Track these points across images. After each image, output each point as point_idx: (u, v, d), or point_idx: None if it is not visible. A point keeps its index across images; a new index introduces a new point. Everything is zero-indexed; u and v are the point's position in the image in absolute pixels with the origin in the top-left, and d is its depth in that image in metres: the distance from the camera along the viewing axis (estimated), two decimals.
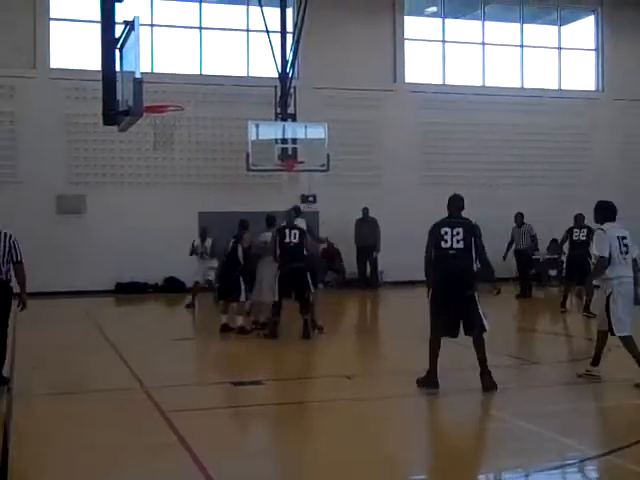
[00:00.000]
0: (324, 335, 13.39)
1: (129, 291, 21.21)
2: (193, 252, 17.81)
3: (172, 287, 21.29)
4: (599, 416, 8.51)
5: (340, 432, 7.55)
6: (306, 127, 21.08)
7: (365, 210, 22.41)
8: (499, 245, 19.45)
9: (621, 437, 7.14)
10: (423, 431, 7.73)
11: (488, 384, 8.88)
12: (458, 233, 9.13)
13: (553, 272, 23.69)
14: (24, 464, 6.60)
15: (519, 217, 20.36)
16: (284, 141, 20.97)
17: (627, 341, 9.28)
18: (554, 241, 23.41)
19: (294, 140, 21.03)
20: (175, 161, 21.63)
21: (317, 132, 20.81)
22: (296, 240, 12.94)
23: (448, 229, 9.17)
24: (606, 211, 9.54)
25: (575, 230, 17.08)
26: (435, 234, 9.26)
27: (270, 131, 20.86)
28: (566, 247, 17.66)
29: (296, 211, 14.57)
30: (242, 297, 13.44)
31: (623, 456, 6.61)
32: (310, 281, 13.11)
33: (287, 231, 13.03)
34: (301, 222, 14.06)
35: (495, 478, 6.52)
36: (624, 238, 9.24)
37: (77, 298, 19.65)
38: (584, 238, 16.49)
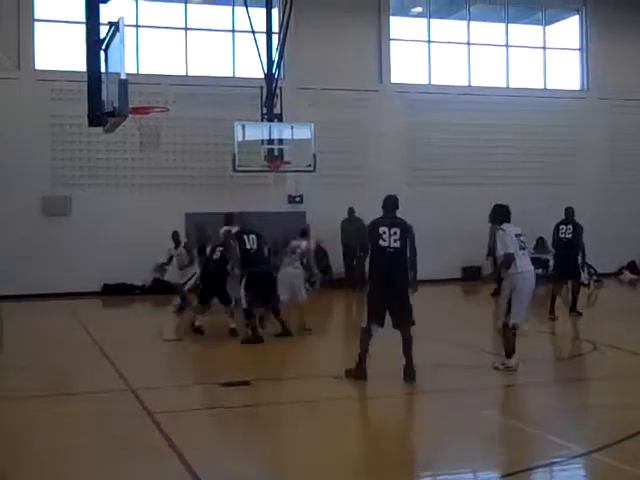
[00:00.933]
0: (309, 335, 13.38)
1: (116, 292, 21.14)
2: (169, 261, 17.49)
3: (160, 288, 21.20)
4: (586, 414, 8.53)
5: (328, 432, 7.55)
6: (292, 127, 21.05)
7: (351, 210, 22.41)
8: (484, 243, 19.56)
9: (607, 435, 7.17)
10: (409, 430, 7.75)
11: (410, 376, 9.33)
12: (395, 233, 9.64)
13: (539, 271, 23.73)
14: (4, 466, 6.56)
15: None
16: (270, 142, 20.94)
17: (511, 331, 9.90)
18: (540, 239, 23.51)
19: (280, 141, 21.00)
20: (161, 162, 21.57)
21: (303, 132, 20.79)
22: (255, 246, 12.79)
23: (386, 228, 9.64)
24: (503, 213, 10.48)
25: (562, 227, 17.01)
26: (373, 233, 9.68)
27: (256, 132, 20.82)
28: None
29: (302, 232, 15.40)
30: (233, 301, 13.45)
31: (610, 454, 6.65)
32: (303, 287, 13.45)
33: (246, 236, 12.89)
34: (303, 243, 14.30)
35: (483, 477, 6.54)
36: (520, 235, 10.07)
37: (64, 300, 19.56)
38: (570, 236, 16.47)
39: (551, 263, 23.81)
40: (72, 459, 6.78)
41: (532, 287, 10.05)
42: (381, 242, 9.55)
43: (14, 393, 9.28)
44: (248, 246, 12.72)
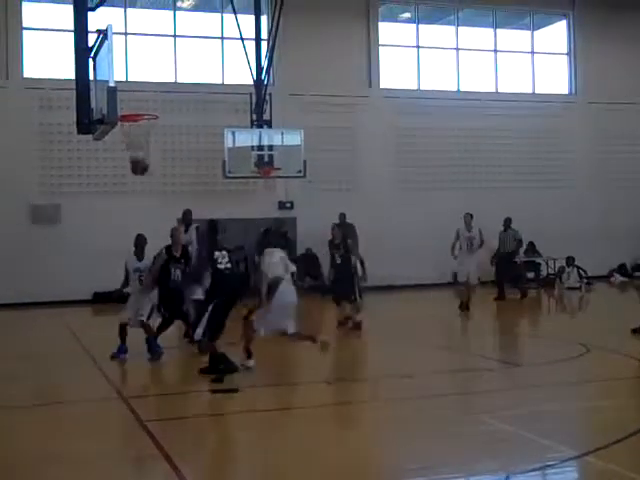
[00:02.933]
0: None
1: (107, 301, 21.01)
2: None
3: None
4: (578, 417, 8.54)
5: (318, 437, 7.53)
6: (282, 133, 21.07)
7: (342, 215, 22.39)
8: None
9: (600, 438, 7.17)
10: (404, 434, 7.73)
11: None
12: (224, 257, 10.49)
13: (531, 275, 23.83)
14: None
15: (507, 221, 20.63)
16: (260, 148, 20.95)
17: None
18: (530, 244, 23.60)
19: (270, 147, 21.01)
20: (151, 169, 21.48)
21: (293, 138, 20.81)
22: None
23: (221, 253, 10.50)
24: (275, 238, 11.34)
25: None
26: (211, 257, 10.49)
27: (246, 138, 20.83)
28: None
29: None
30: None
31: (602, 456, 6.65)
32: None
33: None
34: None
35: None
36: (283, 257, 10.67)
37: (54, 308, 19.49)
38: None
39: (543, 267, 24.03)
40: (62, 468, 6.73)
41: (285, 302, 10.39)
42: (219, 265, 10.43)
43: (3, 402, 9.22)
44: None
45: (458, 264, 17.84)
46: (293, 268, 10.82)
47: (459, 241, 17.69)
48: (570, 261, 22.97)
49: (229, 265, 10.64)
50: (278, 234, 17.01)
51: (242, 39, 21.63)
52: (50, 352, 12.96)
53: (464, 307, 17.37)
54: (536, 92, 25.95)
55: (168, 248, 12.11)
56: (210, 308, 10.28)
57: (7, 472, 6.67)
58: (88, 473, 6.58)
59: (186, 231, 14.43)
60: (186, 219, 14.97)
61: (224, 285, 10.48)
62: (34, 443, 7.51)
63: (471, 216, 17.91)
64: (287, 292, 10.50)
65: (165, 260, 11.93)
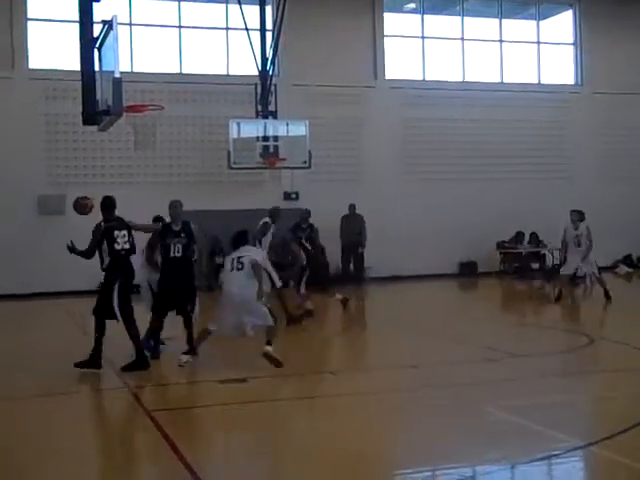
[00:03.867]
0: (308, 332, 13.38)
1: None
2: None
3: None
4: (584, 408, 8.55)
5: (322, 428, 7.55)
6: (287, 124, 21.03)
7: (352, 206, 22.41)
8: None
9: (606, 428, 7.19)
10: (408, 425, 7.75)
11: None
12: (124, 236, 10.58)
13: (536, 265, 23.83)
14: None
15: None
16: (265, 139, 20.92)
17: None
18: (534, 235, 23.62)
19: (275, 137, 20.97)
20: (157, 160, 21.54)
21: (298, 129, 20.78)
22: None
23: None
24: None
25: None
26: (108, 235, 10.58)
27: (251, 129, 20.80)
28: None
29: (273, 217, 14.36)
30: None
31: (608, 446, 6.66)
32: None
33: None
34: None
35: (481, 471, 6.55)
36: (240, 257, 10.25)
37: (62, 299, 19.54)
38: None
39: (549, 258, 23.96)
40: (69, 458, 6.77)
41: (233, 302, 10.13)
42: (116, 245, 10.49)
43: (10, 393, 9.27)
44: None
45: (567, 261, 16.91)
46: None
47: (566, 239, 16.84)
48: None
49: (127, 246, 10.60)
50: (306, 225, 16.92)
51: (247, 30, 21.60)
52: (56, 342, 12.98)
53: (557, 298, 17.02)
54: (542, 82, 25.88)
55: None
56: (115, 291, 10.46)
57: (16, 462, 6.71)
58: (94, 465, 6.62)
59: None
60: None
61: (119, 267, 10.50)
62: (41, 434, 7.55)
63: (578, 213, 16.95)
64: (231, 285, 10.23)
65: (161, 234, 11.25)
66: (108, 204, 10.76)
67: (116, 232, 10.43)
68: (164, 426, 7.45)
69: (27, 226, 20.65)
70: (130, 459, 6.73)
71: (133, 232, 10.66)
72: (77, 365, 10.01)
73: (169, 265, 10.90)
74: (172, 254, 10.90)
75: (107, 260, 10.39)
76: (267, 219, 13.97)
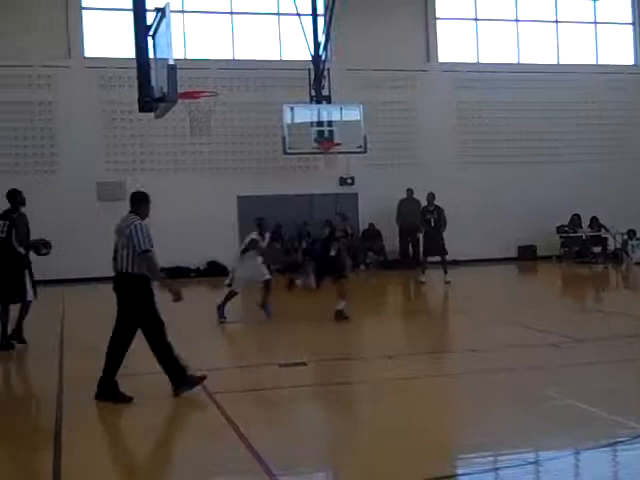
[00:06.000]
0: (363, 317, 13.37)
1: (172, 276, 21.11)
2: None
3: (214, 271, 21.35)
4: None
5: (383, 411, 7.55)
6: (341, 109, 21.03)
7: (409, 191, 22.31)
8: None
9: None
10: (469, 409, 7.70)
11: None
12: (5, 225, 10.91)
13: (597, 249, 23.47)
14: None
15: None
16: (320, 124, 20.94)
17: None
18: (594, 218, 23.23)
19: (330, 122, 20.99)
20: (212, 146, 21.69)
21: (353, 114, 20.75)
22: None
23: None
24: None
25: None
26: None
27: (305, 114, 20.84)
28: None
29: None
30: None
31: None
32: None
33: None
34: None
35: (546, 456, 6.48)
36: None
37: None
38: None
39: (610, 242, 23.54)
40: (134, 439, 6.88)
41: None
42: None
43: (79, 373, 9.42)
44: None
45: None
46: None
47: None
48: (631, 234, 22.59)
49: (3, 235, 11.02)
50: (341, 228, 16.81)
51: (299, 15, 21.58)
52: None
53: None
54: (599, 63, 25.39)
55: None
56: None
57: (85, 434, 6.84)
58: (160, 443, 6.70)
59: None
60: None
61: None
62: (107, 414, 7.68)
63: None
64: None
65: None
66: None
67: None
68: (226, 408, 7.52)
69: (87, 213, 20.94)
70: (194, 440, 6.83)
71: None
72: None
73: None
74: None
75: None
76: (254, 235, 13.40)
